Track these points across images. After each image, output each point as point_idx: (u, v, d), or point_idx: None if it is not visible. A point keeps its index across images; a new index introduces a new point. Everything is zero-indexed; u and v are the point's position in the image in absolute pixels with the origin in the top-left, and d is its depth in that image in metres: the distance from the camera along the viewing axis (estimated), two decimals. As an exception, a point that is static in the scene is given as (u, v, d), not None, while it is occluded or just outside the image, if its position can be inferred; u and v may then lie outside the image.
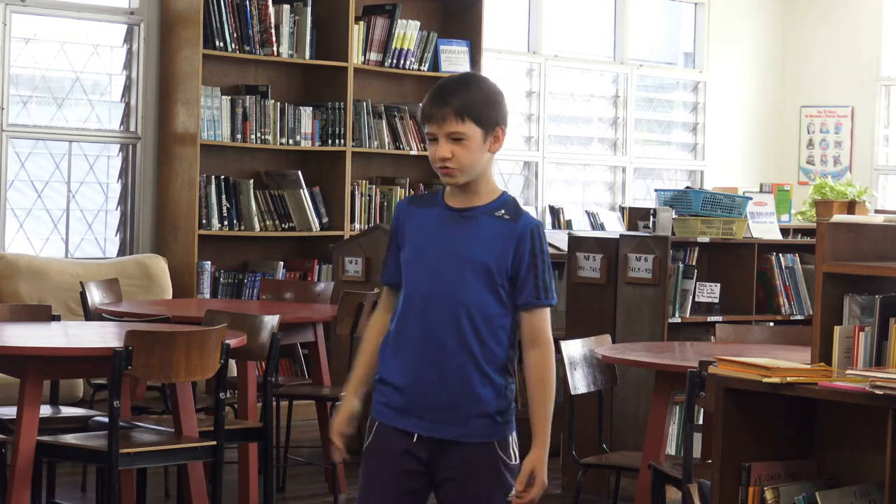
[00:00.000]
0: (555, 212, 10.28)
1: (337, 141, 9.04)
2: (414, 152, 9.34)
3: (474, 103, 3.64)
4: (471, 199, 3.70)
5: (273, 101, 8.83)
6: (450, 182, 3.68)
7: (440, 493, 3.72)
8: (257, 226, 8.73)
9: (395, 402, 3.68)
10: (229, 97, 8.67)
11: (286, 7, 8.82)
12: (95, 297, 6.88)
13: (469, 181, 3.67)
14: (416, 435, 3.66)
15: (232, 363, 6.81)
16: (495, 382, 3.67)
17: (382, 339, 3.75)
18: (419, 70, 9.38)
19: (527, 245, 3.67)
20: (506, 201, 3.71)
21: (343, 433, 3.73)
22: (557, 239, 8.76)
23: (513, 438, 3.73)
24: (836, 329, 3.94)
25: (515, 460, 3.72)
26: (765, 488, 3.94)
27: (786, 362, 3.95)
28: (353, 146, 9.08)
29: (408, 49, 9.31)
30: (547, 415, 3.69)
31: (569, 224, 10.13)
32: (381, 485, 3.69)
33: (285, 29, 8.81)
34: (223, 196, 8.61)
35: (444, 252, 3.66)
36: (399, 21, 9.27)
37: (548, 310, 3.70)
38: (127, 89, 8.69)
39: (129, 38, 8.69)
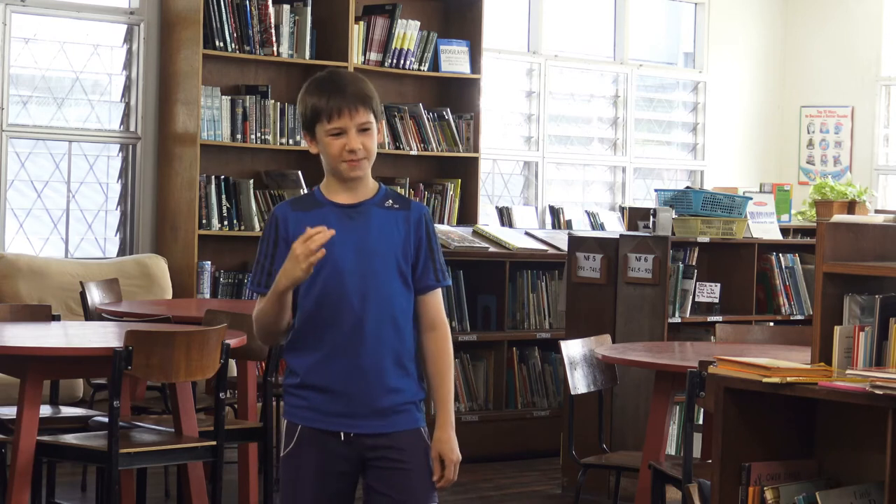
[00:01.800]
0: (555, 212, 10.28)
1: (337, 141, 9.03)
2: (414, 152, 9.34)
3: (372, 95, 3.70)
4: (358, 194, 3.70)
5: (273, 101, 8.83)
6: (357, 175, 3.67)
7: (375, 481, 3.69)
8: (257, 226, 8.73)
9: (319, 405, 3.66)
10: (229, 97, 8.67)
11: (286, 7, 8.82)
12: (95, 297, 6.88)
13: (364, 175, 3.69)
14: (342, 435, 3.65)
15: (232, 363, 6.81)
16: (412, 372, 3.71)
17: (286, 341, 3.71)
18: (419, 70, 9.38)
19: (423, 230, 3.72)
20: (388, 191, 3.75)
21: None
22: (557, 239, 8.77)
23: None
24: (836, 329, 3.94)
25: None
26: (765, 488, 3.94)
27: (786, 362, 3.95)
28: (353, 146, 9.07)
29: (408, 49, 9.31)
30: (448, 393, 3.72)
31: (569, 224, 10.13)
32: (307, 489, 3.66)
33: (285, 29, 8.81)
34: (223, 196, 8.60)
35: (350, 250, 3.65)
36: (399, 21, 9.27)
37: (440, 292, 3.75)
38: (127, 89, 8.69)
39: (129, 38, 8.69)
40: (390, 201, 3.72)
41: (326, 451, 3.66)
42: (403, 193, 9.24)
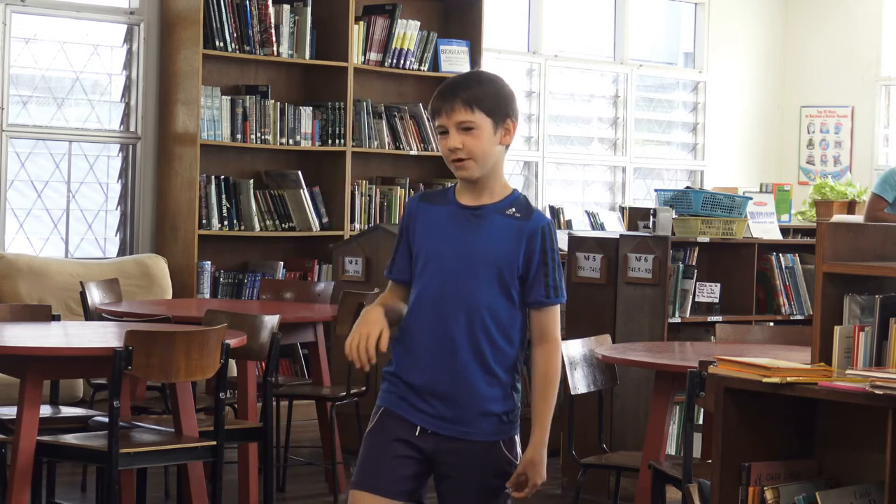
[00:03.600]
0: (555, 212, 10.28)
1: (337, 141, 9.04)
2: (414, 152, 9.34)
3: (483, 94, 3.66)
4: (482, 197, 3.70)
5: (273, 101, 8.83)
6: (464, 175, 3.67)
7: (442, 489, 3.72)
8: (257, 226, 8.73)
9: (405, 395, 3.69)
10: (229, 97, 8.67)
11: (286, 7, 8.82)
12: (95, 297, 6.88)
13: (482, 176, 3.67)
14: (418, 428, 3.67)
15: (232, 363, 6.81)
16: (503, 382, 3.69)
17: (396, 330, 3.76)
18: (419, 70, 9.38)
19: (538, 243, 3.68)
20: (517, 199, 3.72)
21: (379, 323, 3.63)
22: (557, 239, 8.77)
23: (518, 439, 3.74)
24: (836, 329, 3.94)
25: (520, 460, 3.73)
26: (765, 488, 3.94)
27: (786, 362, 3.95)
28: (353, 146, 9.08)
29: (408, 49, 9.32)
30: (549, 410, 3.71)
31: (569, 224, 10.13)
32: (378, 466, 3.69)
33: (285, 29, 8.81)
34: (223, 196, 8.61)
35: (456, 251, 3.66)
36: (399, 21, 9.27)
37: (557, 308, 3.72)
38: (127, 89, 8.69)
39: (129, 38, 8.69)
40: (513, 209, 3.69)
41: (400, 435, 3.68)
42: (405, 194, 9.25)
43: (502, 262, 3.65)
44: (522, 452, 3.72)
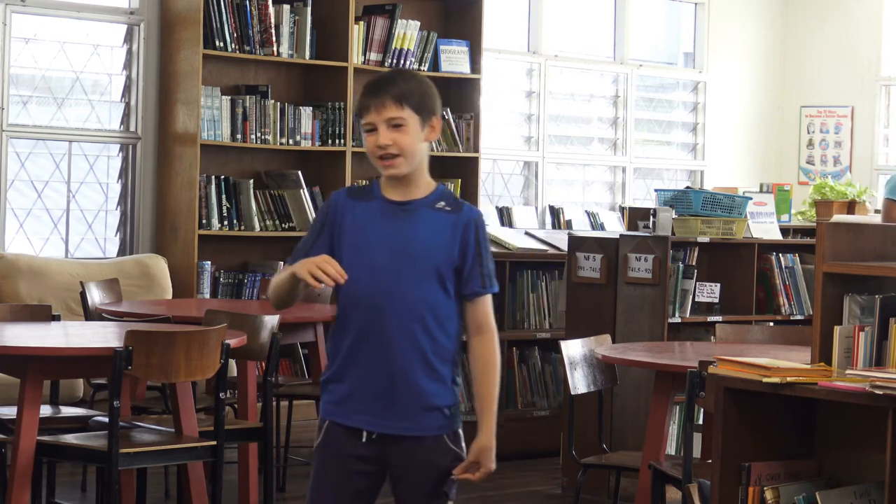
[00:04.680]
0: (555, 212, 10.28)
1: (337, 141, 9.05)
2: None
3: (411, 91, 3.67)
4: (410, 192, 3.69)
5: (273, 101, 8.83)
6: (392, 173, 3.66)
7: (397, 490, 3.72)
8: (257, 226, 8.73)
9: (344, 401, 3.68)
10: (229, 97, 8.67)
11: (286, 7, 8.82)
12: (95, 297, 6.88)
13: (409, 173, 3.67)
14: (365, 433, 3.66)
15: (232, 363, 6.81)
16: (443, 375, 3.69)
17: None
18: (419, 70, 9.38)
19: (471, 235, 3.69)
20: (443, 192, 3.73)
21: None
22: (557, 239, 8.77)
23: (461, 433, 3.75)
24: (836, 329, 3.94)
25: (465, 454, 3.73)
26: (765, 488, 3.94)
27: (786, 362, 3.95)
28: (353, 146, 9.08)
29: (408, 49, 9.32)
30: (493, 400, 3.71)
31: (569, 224, 10.13)
32: (331, 485, 3.69)
33: (285, 29, 8.81)
34: (223, 196, 8.61)
35: (390, 247, 3.65)
36: (399, 21, 9.27)
37: (490, 297, 3.73)
38: (127, 89, 8.70)
39: (129, 38, 8.69)
40: (442, 203, 3.70)
41: (349, 451, 3.67)
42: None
43: (439, 256, 3.65)
44: (466, 446, 3.72)
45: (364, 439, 3.67)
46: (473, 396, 3.72)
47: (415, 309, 3.64)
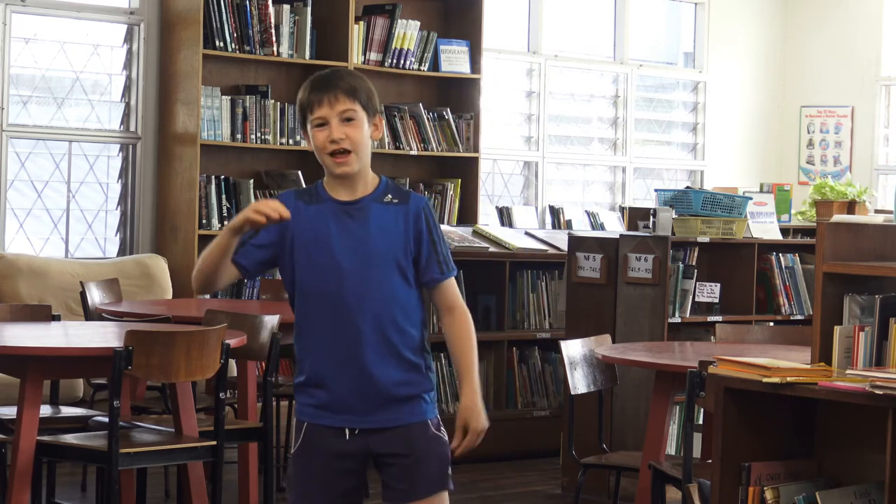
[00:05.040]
0: (555, 212, 10.28)
1: (337, 141, 9.03)
2: (414, 152, 9.34)
3: (359, 87, 3.69)
4: (357, 190, 3.70)
5: (273, 101, 8.83)
6: (344, 171, 3.66)
7: (385, 478, 3.72)
8: (257, 226, 8.72)
9: (323, 401, 3.68)
10: (229, 97, 8.67)
11: (286, 7, 8.82)
12: (95, 297, 6.88)
13: (359, 170, 3.67)
14: (347, 431, 3.67)
15: (232, 363, 6.81)
16: (416, 364, 3.71)
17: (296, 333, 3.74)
18: (419, 70, 9.38)
19: (423, 223, 3.71)
20: (388, 185, 3.74)
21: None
22: (557, 239, 8.77)
23: (440, 420, 3.77)
24: (836, 329, 3.94)
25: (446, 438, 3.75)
26: (765, 488, 3.94)
27: (786, 362, 3.95)
28: (353, 146, 9.07)
29: (408, 49, 9.31)
30: (470, 363, 3.72)
31: (569, 224, 10.13)
32: (317, 487, 3.68)
33: (285, 29, 8.81)
34: (223, 196, 8.61)
35: (349, 249, 3.65)
36: (399, 21, 9.27)
37: (453, 279, 3.75)
38: (127, 89, 8.69)
39: (129, 38, 8.69)
40: (389, 196, 3.71)
41: (333, 449, 3.68)
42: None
43: (397, 250, 3.67)
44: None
45: (347, 437, 3.67)
46: (454, 368, 3.75)
47: (382, 305, 3.65)
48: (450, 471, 3.76)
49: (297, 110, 3.72)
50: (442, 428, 3.76)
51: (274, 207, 3.55)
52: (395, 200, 3.70)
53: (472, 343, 3.74)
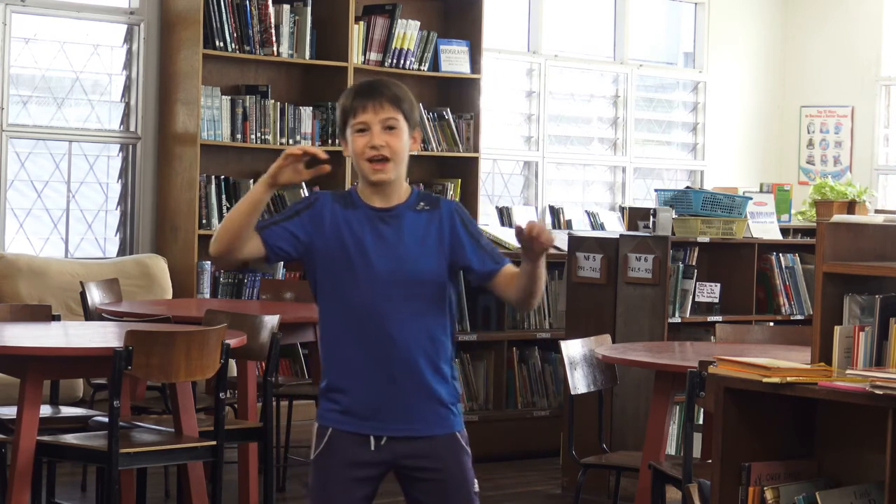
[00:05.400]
0: (555, 212, 10.28)
1: (337, 141, 9.04)
2: (414, 152, 9.31)
3: (403, 97, 3.68)
4: (391, 198, 3.68)
5: (273, 101, 8.83)
6: (381, 178, 3.64)
7: (415, 493, 3.69)
8: (257, 226, 8.72)
9: (348, 407, 3.65)
10: (229, 97, 8.67)
11: (286, 7, 8.82)
12: (95, 297, 6.88)
13: (394, 179, 3.66)
14: (372, 439, 3.63)
15: (232, 363, 6.81)
16: (446, 373, 3.69)
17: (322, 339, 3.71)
18: (419, 70, 9.38)
19: (458, 223, 3.69)
20: (420, 194, 3.73)
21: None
22: (557, 239, 8.76)
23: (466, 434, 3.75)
24: (836, 329, 3.94)
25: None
26: (765, 488, 3.94)
27: (786, 362, 3.95)
28: (353, 146, 9.07)
29: (408, 49, 9.31)
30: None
31: (569, 224, 10.13)
32: (339, 493, 3.65)
33: (285, 29, 8.81)
34: (223, 196, 8.60)
35: (381, 254, 3.63)
36: (399, 21, 9.27)
37: (510, 263, 3.71)
38: (127, 89, 8.69)
39: (129, 38, 8.69)
40: (422, 204, 3.69)
41: (356, 457, 3.64)
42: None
43: (430, 257, 3.65)
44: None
45: (373, 446, 3.64)
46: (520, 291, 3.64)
47: (416, 313, 3.63)
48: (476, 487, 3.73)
49: (338, 114, 3.70)
50: (468, 445, 3.73)
51: (310, 150, 3.58)
52: (427, 207, 3.69)
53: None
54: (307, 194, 3.81)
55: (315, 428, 3.71)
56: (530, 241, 3.52)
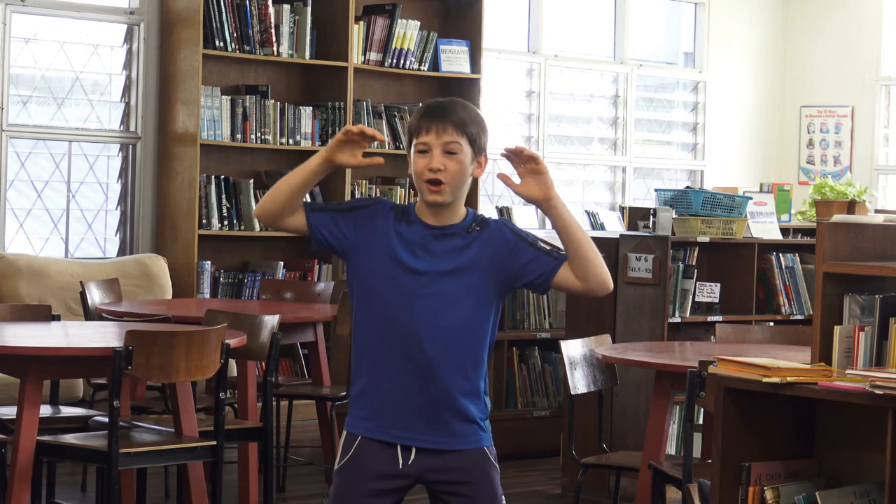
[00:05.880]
0: (555, 212, 10.27)
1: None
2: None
3: (471, 122, 3.66)
4: (446, 219, 3.66)
5: (273, 101, 8.83)
6: (436, 200, 3.63)
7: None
8: (257, 226, 8.73)
9: (379, 413, 3.62)
10: (229, 97, 8.67)
11: (286, 7, 8.82)
12: (95, 297, 6.88)
13: (451, 203, 3.65)
14: (400, 452, 3.61)
15: (232, 363, 6.81)
16: (478, 388, 3.67)
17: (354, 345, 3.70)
18: (419, 70, 9.38)
19: (508, 235, 3.68)
20: (475, 216, 3.71)
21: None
22: (557, 239, 8.76)
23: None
24: (836, 329, 3.94)
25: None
26: (765, 488, 3.94)
27: (786, 362, 3.95)
28: (353, 146, 9.06)
29: (408, 49, 9.31)
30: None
31: (569, 224, 10.11)
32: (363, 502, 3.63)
33: (285, 29, 8.81)
34: (223, 196, 8.61)
35: (426, 268, 3.61)
36: (399, 21, 9.27)
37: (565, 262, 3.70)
38: (127, 89, 8.70)
39: (129, 38, 8.69)
40: (474, 224, 3.68)
41: (383, 468, 3.61)
42: (404, 193, 9.25)
43: (477, 274, 3.62)
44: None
45: (400, 456, 3.62)
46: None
47: (455, 329, 3.61)
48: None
49: (406, 132, 3.70)
50: (494, 459, 3.71)
51: (366, 130, 3.57)
52: (478, 228, 3.67)
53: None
54: (372, 196, 3.77)
55: (343, 437, 3.67)
56: (527, 161, 3.62)
